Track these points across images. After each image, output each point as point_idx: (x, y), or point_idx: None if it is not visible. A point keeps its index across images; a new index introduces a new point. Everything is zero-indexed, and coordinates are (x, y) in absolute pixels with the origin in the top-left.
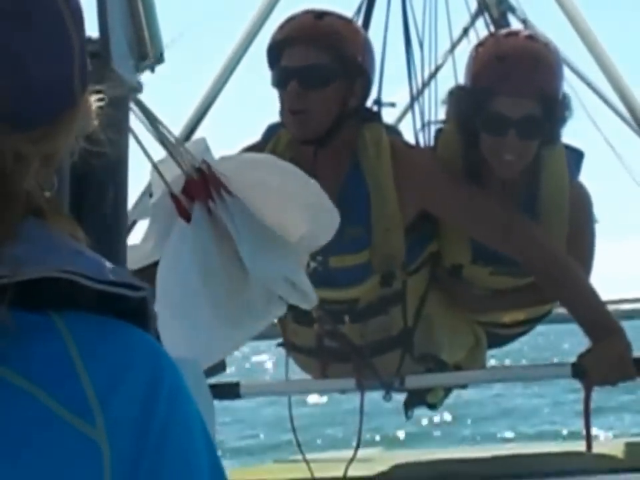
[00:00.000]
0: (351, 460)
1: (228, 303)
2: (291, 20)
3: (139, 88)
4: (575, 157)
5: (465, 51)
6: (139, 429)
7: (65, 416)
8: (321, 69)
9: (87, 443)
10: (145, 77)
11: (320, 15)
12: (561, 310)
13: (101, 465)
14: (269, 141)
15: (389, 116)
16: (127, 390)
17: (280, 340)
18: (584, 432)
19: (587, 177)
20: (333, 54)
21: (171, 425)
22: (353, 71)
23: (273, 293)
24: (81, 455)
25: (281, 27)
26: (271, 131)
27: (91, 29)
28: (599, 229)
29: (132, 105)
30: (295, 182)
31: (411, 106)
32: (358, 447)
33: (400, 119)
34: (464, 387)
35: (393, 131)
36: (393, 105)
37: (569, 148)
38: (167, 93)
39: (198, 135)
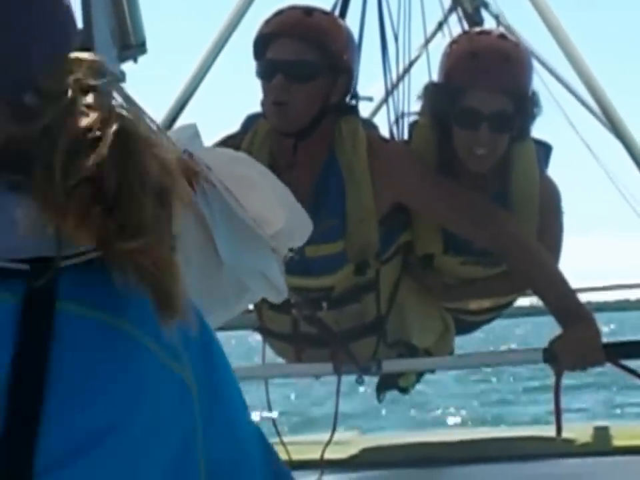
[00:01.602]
0: (328, 443)
1: (199, 290)
2: (278, 14)
3: (121, 77)
4: (544, 150)
5: (439, 44)
6: (203, 366)
7: (167, 361)
8: (307, 64)
9: (181, 384)
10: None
11: (309, 12)
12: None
13: (192, 402)
14: (248, 131)
15: (364, 109)
16: (192, 333)
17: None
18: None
19: (556, 172)
20: (320, 50)
21: (218, 361)
22: (338, 68)
23: (245, 284)
24: (180, 395)
25: (268, 21)
26: (250, 121)
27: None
28: (566, 223)
29: (114, 94)
30: (272, 184)
31: (385, 99)
32: (334, 430)
33: (375, 112)
34: (432, 371)
35: (370, 124)
36: (370, 99)
37: (537, 142)
38: (149, 81)
39: (179, 123)
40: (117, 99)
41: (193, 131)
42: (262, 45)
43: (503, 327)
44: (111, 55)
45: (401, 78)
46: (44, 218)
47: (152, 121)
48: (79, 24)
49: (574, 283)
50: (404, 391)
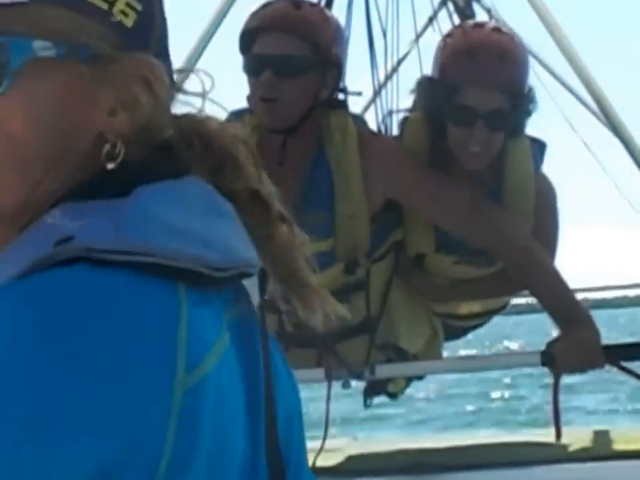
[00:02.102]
0: (320, 450)
1: None
2: (266, 7)
3: None
4: (538, 147)
5: (429, 39)
6: None
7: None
8: (297, 59)
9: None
10: None
11: (297, 4)
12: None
13: None
14: None
15: (353, 105)
16: None
17: None
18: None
19: (554, 166)
20: (310, 45)
21: None
22: (327, 63)
23: None
24: None
25: (255, 14)
26: (234, 117)
27: None
28: (567, 216)
29: None
30: None
31: (374, 96)
32: (325, 436)
33: (366, 108)
34: (420, 377)
35: (359, 120)
36: (359, 93)
37: (531, 139)
38: None
39: None
40: None
41: None
42: (249, 38)
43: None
44: None
45: (390, 75)
46: (255, 232)
47: None
48: None
49: (573, 280)
50: (393, 396)
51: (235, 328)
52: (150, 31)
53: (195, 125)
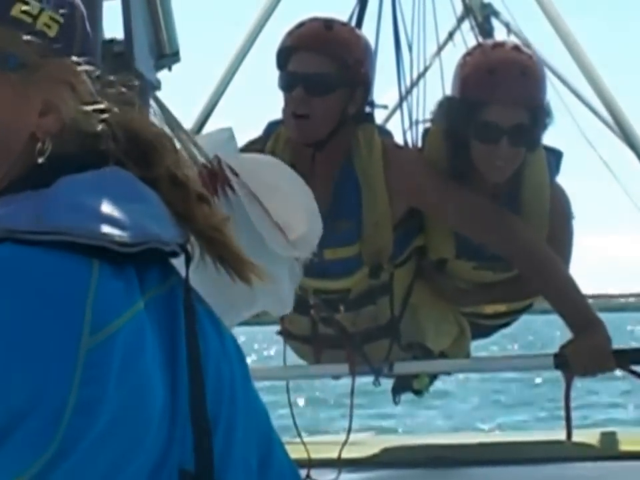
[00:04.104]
0: (344, 443)
1: (210, 292)
2: (300, 27)
3: (157, 85)
4: (554, 157)
5: (450, 53)
6: None
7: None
8: (327, 77)
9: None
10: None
11: (329, 25)
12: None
13: None
14: (269, 137)
15: (377, 116)
16: None
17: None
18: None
19: (572, 178)
20: (339, 63)
21: None
22: (355, 81)
23: (255, 296)
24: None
25: (290, 33)
26: (271, 127)
27: (117, 31)
28: (586, 226)
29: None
30: (298, 188)
31: (400, 107)
32: (350, 429)
33: (388, 118)
34: (448, 374)
35: (384, 131)
36: (385, 107)
37: (547, 149)
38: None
39: (208, 128)
40: (154, 108)
41: (228, 135)
42: (284, 57)
43: None
44: (149, 65)
45: (412, 87)
46: (178, 213)
47: (183, 130)
48: (121, 36)
49: (586, 287)
50: (418, 393)
51: (159, 301)
52: (72, 38)
53: (120, 121)
